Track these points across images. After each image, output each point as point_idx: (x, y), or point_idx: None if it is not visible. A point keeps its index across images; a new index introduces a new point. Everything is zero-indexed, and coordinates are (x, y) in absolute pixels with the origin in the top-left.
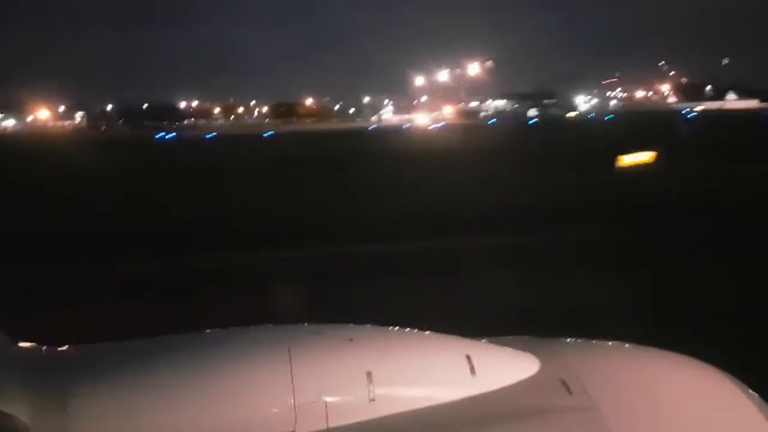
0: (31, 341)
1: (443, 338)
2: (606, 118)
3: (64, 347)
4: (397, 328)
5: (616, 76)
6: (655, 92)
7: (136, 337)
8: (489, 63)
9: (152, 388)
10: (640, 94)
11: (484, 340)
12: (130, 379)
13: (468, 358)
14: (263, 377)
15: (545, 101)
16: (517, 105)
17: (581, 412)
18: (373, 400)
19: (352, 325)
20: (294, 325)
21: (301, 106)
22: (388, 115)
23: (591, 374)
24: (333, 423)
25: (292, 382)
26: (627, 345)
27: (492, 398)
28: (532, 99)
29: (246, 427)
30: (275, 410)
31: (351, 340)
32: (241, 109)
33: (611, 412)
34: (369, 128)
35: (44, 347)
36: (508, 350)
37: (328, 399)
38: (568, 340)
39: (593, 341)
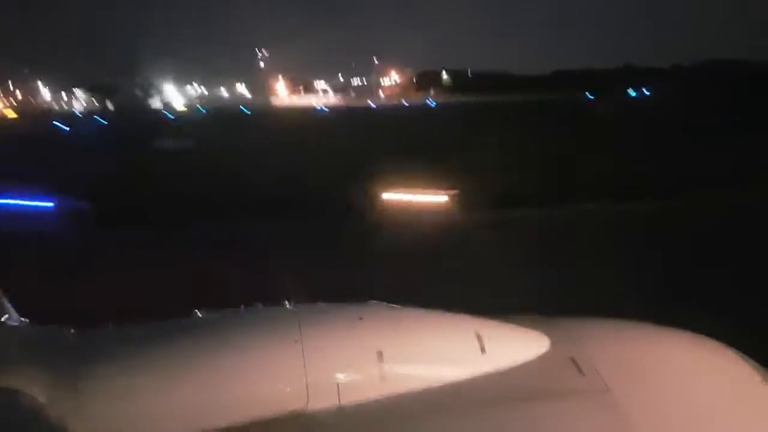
0: (46, 322)
1: (453, 317)
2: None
3: (79, 328)
4: (407, 306)
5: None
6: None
7: (150, 317)
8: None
9: (165, 369)
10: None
11: (493, 319)
12: (143, 360)
13: (478, 336)
14: (275, 356)
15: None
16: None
17: (592, 392)
18: (383, 378)
19: (362, 304)
20: (305, 304)
21: None
22: None
23: (602, 353)
24: (344, 400)
25: (304, 361)
26: (638, 324)
27: (502, 377)
28: (101, 91)
29: (259, 404)
30: (288, 388)
31: (361, 319)
32: None
33: (622, 391)
34: None
35: (59, 328)
36: (519, 329)
37: (340, 377)
38: (579, 319)
39: (604, 320)
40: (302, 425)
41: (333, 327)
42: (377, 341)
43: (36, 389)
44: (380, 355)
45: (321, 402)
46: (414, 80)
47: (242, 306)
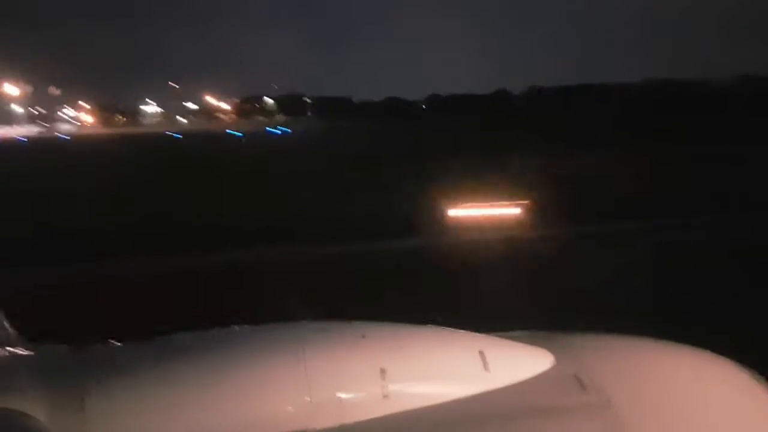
0: (47, 341)
1: (456, 334)
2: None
3: (81, 347)
4: (410, 324)
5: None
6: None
7: (153, 336)
8: None
9: (169, 386)
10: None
11: (497, 336)
12: (147, 378)
13: (481, 353)
14: (278, 375)
15: None
16: None
17: (595, 409)
18: (386, 396)
19: (365, 322)
20: (308, 322)
21: None
22: None
23: (605, 370)
24: (347, 419)
25: (307, 379)
26: (640, 340)
27: (505, 394)
28: None
29: (262, 423)
30: (290, 407)
31: (364, 336)
32: None
33: (626, 408)
34: None
35: (60, 347)
36: (522, 346)
37: (342, 395)
38: (582, 335)
39: (607, 336)
40: None
41: (336, 345)
42: (380, 359)
43: (38, 410)
44: (383, 372)
45: (324, 420)
46: (240, 105)
47: (246, 324)
